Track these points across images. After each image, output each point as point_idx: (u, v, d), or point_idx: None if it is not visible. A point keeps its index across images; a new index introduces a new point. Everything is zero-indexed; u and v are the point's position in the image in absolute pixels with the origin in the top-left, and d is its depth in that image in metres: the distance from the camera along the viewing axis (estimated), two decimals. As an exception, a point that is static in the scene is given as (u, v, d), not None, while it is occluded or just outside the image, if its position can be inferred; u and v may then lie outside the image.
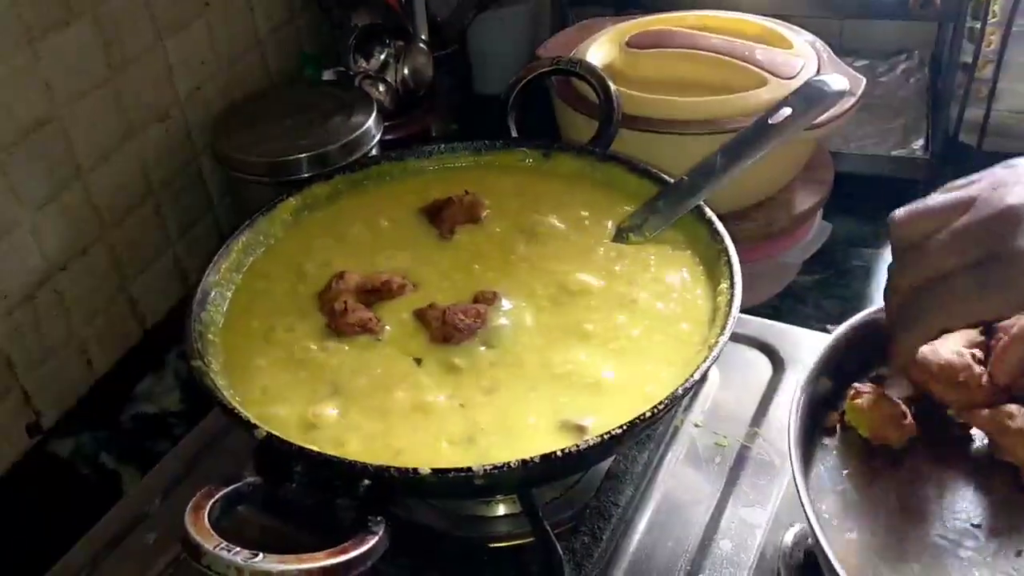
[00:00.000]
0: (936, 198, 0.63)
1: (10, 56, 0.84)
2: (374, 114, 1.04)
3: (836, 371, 0.73)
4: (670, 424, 0.81)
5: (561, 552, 0.66)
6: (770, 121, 0.80)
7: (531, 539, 0.69)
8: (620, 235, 0.80)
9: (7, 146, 0.85)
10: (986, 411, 0.70)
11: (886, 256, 1.15)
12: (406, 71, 1.18)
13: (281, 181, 0.98)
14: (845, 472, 0.69)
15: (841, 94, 0.84)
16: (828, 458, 0.70)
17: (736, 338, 0.88)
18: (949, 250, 0.60)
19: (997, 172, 0.62)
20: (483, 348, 0.71)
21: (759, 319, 0.92)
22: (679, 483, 0.78)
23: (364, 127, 1.02)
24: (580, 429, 0.63)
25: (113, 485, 0.91)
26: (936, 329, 0.63)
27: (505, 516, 0.75)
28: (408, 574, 0.70)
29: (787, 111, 0.80)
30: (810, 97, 0.83)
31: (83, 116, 0.93)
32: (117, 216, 1.00)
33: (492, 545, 0.73)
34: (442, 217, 0.83)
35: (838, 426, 0.72)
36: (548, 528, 0.66)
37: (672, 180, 0.81)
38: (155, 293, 1.07)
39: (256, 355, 0.71)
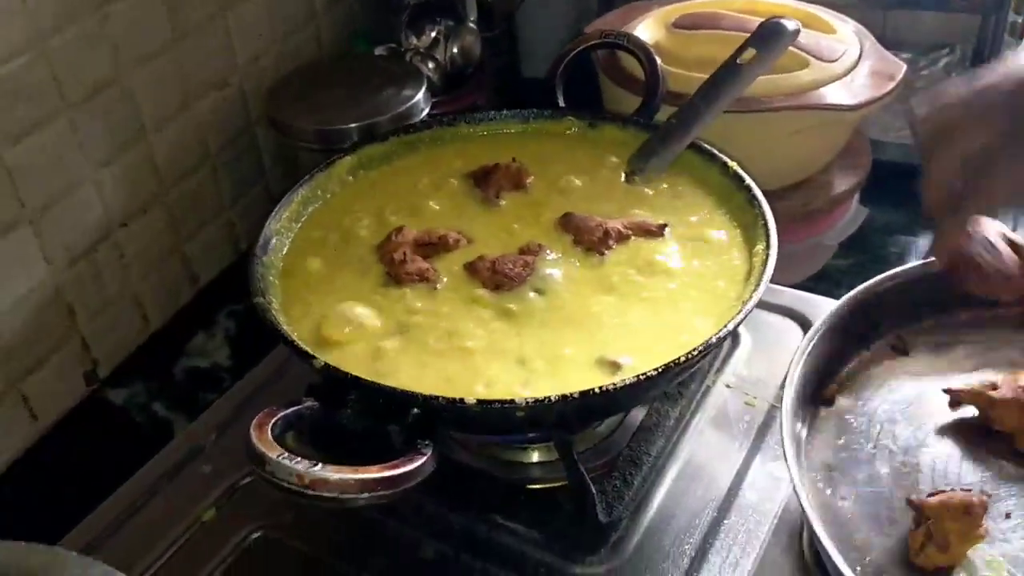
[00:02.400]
0: (954, 84, 0.64)
1: (81, 18, 0.88)
2: (423, 89, 1.07)
3: (839, 339, 0.76)
4: (702, 383, 0.84)
5: (594, 492, 0.70)
6: (739, 62, 0.85)
7: (566, 482, 0.72)
8: (628, 179, 0.87)
9: (76, 104, 0.89)
10: (971, 386, 0.73)
11: (922, 243, 1.18)
12: (455, 50, 1.21)
13: (332, 149, 1.01)
14: (839, 442, 0.72)
15: (796, 32, 0.89)
16: (825, 427, 0.73)
17: (770, 307, 0.91)
18: (977, 129, 0.60)
19: (1013, 55, 0.64)
20: (533, 294, 0.74)
21: (792, 290, 0.94)
22: (709, 438, 0.80)
23: (413, 100, 1.04)
24: (615, 365, 0.67)
25: (165, 432, 0.95)
26: (980, 208, 0.64)
27: (541, 463, 0.78)
28: (448, 509, 0.74)
29: (752, 52, 0.85)
30: (769, 37, 0.87)
31: (148, 80, 0.97)
32: (175, 177, 1.03)
33: (529, 487, 0.76)
34: (489, 182, 0.86)
35: (836, 397, 0.75)
36: (583, 469, 0.69)
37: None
38: (208, 253, 1.11)
39: (313, 296, 0.75)
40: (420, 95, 1.06)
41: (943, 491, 0.66)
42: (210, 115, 1.07)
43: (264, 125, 1.12)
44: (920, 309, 0.82)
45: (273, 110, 1.06)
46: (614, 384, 0.60)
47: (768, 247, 0.73)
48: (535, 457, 0.78)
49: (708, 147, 0.84)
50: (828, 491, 0.69)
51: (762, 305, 0.76)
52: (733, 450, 0.79)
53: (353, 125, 1.01)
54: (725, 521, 0.73)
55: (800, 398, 0.71)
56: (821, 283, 1.10)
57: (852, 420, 0.75)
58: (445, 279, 0.76)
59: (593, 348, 0.69)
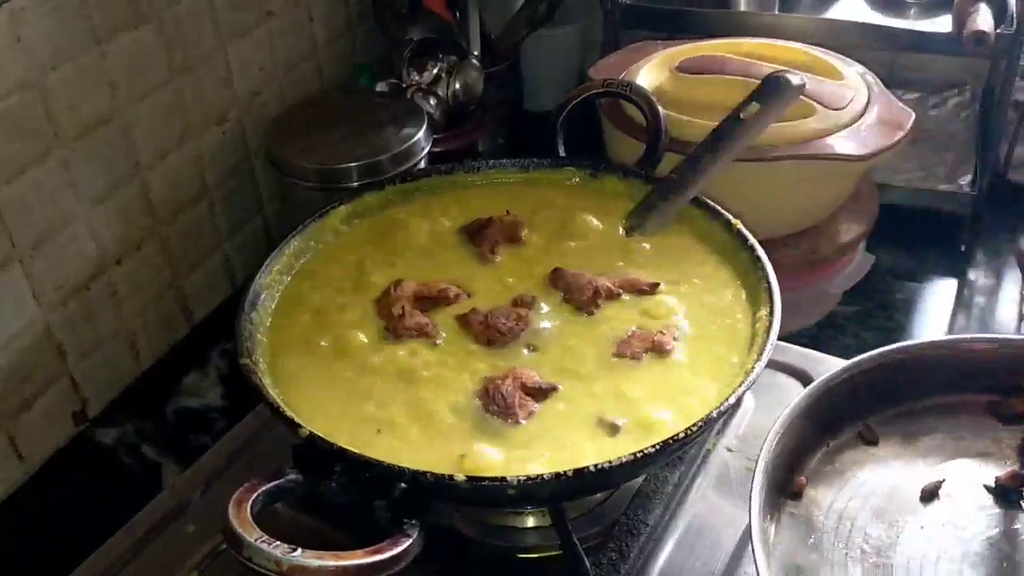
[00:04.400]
0: None
1: (77, 55, 0.87)
2: (424, 126, 1.06)
3: (805, 429, 0.74)
4: (702, 447, 0.82)
5: (588, 566, 0.68)
6: (741, 116, 0.84)
7: (559, 552, 0.70)
8: (628, 233, 0.85)
9: (69, 142, 0.88)
10: None
11: (929, 290, 1.16)
12: (457, 85, 1.20)
13: (331, 188, 1.00)
14: (810, 541, 0.70)
15: (801, 87, 0.87)
16: (794, 524, 0.71)
17: (773, 365, 0.88)
18: None
19: None
20: (526, 351, 0.73)
21: (796, 347, 0.92)
22: (709, 505, 0.78)
23: (414, 139, 1.04)
24: (614, 427, 0.66)
25: (153, 476, 0.93)
26: None
27: (535, 528, 0.76)
28: (436, 578, 0.72)
29: (756, 106, 0.84)
30: (773, 91, 0.86)
31: (144, 116, 0.96)
32: (171, 213, 1.02)
33: (521, 556, 0.74)
34: (483, 237, 0.85)
35: (804, 491, 0.73)
36: (576, 542, 0.67)
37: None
38: (204, 290, 1.10)
39: (302, 355, 0.73)
40: (421, 134, 1.05)
41: None
42: (208, 150, 1.06)
43: (263, 159, 1.11)
44: (888, 397, 0.79)
45: (273, 148, 1.06)
46: (609, 462, 0.59)
47: (771, 313, 0.71)
48: (528, 522, 0.76)
49: (711, 203, 0.83)
50: None
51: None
52: (735, 518, 0.76)
53: (353, 164, 1.00)
54: (726, 595, 0.72)
55: (769, 496, 0.69)
56: (826, 329, 1.09)
57: (821, 517, 0.72)
58: (444, 334, 0.75)
59: (590, 407, 0.68)
